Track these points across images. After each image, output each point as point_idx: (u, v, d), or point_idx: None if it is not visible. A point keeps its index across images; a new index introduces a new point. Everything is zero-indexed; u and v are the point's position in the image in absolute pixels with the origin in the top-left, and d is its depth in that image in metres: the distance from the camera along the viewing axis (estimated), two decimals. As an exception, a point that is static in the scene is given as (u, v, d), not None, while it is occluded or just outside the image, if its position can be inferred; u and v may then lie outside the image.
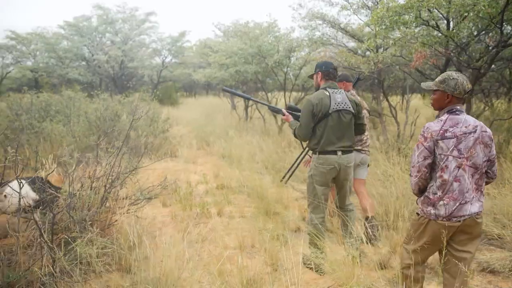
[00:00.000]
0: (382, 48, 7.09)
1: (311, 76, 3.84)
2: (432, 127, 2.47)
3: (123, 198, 3.97)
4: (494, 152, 2.51)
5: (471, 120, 2.46)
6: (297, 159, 4.17)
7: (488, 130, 2.48)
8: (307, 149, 3.97)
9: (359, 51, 8.07)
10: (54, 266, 2.54)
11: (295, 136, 3.72)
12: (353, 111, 3.55)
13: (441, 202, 2.44)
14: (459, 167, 2.41)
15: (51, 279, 2.51)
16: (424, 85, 2.68)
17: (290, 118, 3.82)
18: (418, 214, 2.60)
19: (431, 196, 2.49)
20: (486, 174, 2.52)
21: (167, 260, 3.65)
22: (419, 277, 2.68)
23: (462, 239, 2.51)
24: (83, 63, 22.13)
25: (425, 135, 2.47)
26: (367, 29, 7.35)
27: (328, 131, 3.46)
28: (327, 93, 3.50)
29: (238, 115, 13.73)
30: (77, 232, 3.12)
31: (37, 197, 3.82)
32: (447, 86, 2.47)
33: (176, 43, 22.34)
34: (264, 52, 9.55)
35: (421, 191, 2.56)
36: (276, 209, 5.04)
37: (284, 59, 9.54)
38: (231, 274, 3.34)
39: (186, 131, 12.14)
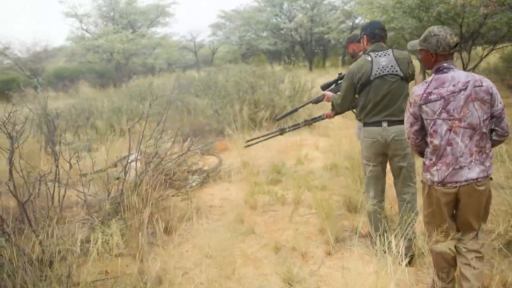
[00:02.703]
0: None
1: (358, 41, 3.51)
2: (416, 92, 2.33)
3: (175, 180, 3.92)
4: (500, 106, 2.23)
5: (461, 77, 2.23)
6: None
7: (486, 83, 2.21)
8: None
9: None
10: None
11: (333, 109, 3.50)
12: (401, 74, 2.99)
13: (434, 168, 2.32)
14: (450, 130, 2.24)
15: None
16: (409, 45, 2.49)
17: (330, 94, 3.55)
18: (422, 181, 2.47)
19: (427, 162, 2.39)
20: (494, 133, 2.30)
21: (192, 251, 3.49)
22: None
23: (464, 209, 2.34)
24: (278, 32, 23.18)
25: (410, 100, 2.36)
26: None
27: (371, 101, 3.04)
28: (369, 58, 3.06)
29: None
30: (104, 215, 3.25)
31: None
32: (429, 45, 2.29)
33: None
34: (428, 1, 7.75)
35: (423, 155, 2.46)
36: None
37: (458, 6, 7.49)
38: (239, 282, 2.91)
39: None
